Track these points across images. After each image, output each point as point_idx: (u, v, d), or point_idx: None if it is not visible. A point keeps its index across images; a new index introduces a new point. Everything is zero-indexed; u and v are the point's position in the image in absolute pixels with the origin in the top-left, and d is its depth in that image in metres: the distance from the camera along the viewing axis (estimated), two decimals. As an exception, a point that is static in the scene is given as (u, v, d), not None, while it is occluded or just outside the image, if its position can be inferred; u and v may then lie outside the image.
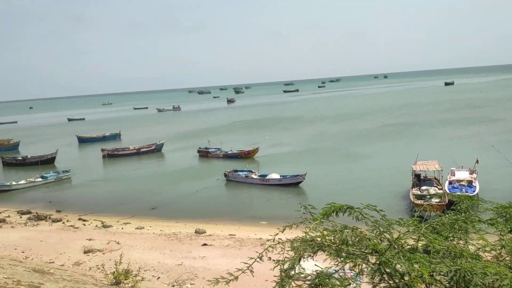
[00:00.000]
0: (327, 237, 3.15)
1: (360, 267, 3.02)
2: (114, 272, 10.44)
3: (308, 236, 3.17)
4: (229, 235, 20.70)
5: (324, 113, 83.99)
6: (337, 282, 2.76)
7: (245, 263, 3.56)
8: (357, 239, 3.02)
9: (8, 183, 36.53)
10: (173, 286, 13.98)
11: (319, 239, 3.13)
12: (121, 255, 11.57)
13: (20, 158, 50.44)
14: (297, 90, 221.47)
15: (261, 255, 3.34)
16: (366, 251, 2.97)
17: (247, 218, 24.66)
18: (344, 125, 63.48)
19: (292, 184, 30.92)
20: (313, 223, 3.38)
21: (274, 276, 3.44)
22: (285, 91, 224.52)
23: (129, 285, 10.31)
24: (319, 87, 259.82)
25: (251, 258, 3.51)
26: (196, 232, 21.26)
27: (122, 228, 22.93)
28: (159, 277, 14.87)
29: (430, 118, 63.67)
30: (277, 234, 3.62)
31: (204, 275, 14.91)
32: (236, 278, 3.26)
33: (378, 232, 3.19)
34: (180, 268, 15.77)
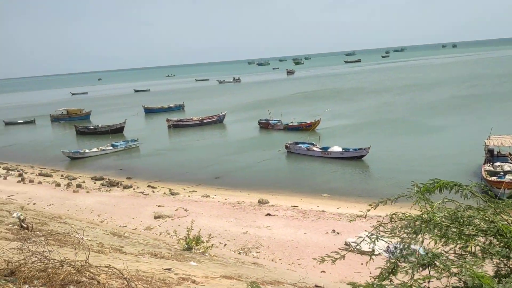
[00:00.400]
0: (443, 217, 2.97)
1: (473, 248, 2.84)
2: (186, 237, 10.84)
3: (425, 215, 3.01)
4: (291, 206, 20.83)
5: (388, 84, 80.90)
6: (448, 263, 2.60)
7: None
8: (475, 219, 2.83)
9: (82, 151, 38.86)
10: (239, 253, 14.37)
11: (438, 218, 2.95)
12: (192, 221, 12.01)
13: (91, 127, 53.33)
14: (359, 61, 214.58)
15: (373, 234, 3.22)
16: (488, 233, 2.78)
17: (309, 191, 24.60)
18: (409, 97, 60.85)
19: (354, 157, 30.33)
20: (433, 202, 3.21)
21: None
22: (346, 62, 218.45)
23: (200, 251, 10.70)
24: (382, 57, 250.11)
25: (359, 236, 3.40)
26: (259, 202, 21.58)
27: (189, 196, 23.77)
28: (225, 244, 15.34)
29: (506, 89, 59.36)
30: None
31: (269, 244, 15.20)
32: (343, 256, 3.18)
33: (494, 213, 2.97)
34: (245, 236, 16.15)
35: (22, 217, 8.32)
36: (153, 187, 26.58)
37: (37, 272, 3.85)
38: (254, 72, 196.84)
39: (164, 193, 24.75)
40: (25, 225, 7.94)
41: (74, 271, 3.95)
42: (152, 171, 32.26)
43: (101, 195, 24.35)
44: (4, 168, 34.81)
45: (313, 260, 10.62)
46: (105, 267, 4.27)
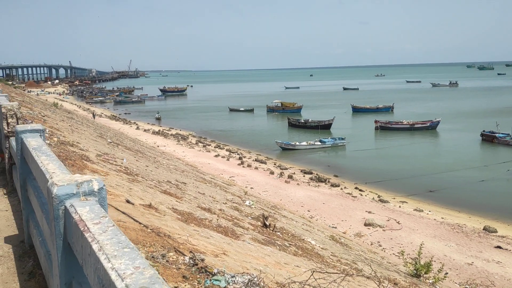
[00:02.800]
0: None
1: None
2: (415, 261, 9.68)
3: None
4: (527, 242, 17.40)
5: None
6: None
7: None
8: None
9: (293, 143, 40.74)
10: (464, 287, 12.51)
11: None
12: (421, 245, 10.76)
13: (302, 121, 55.65)
14: None
15: None
16: None
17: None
18: None
19: None
20: None
21: None
22: None
23: (430, 281, 9.46)
24: None
25: None
26: (484, 229, 18.72)
27: (400, 207, 22.26)
28: (446, 273, 13.58)
29: None
30: None
31: (502, 286, 12.83)
32: None
33: None
34: (470, 268, 14.05)
35: (265, 214, 8.60)
36: (360, 190, 25.88)
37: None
38: (475, 77, 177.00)
39: (373, 198, 23.76)
40: (267, 223, 8.13)
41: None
42: (359, 172, 31.59)
43: (310, 190, 24.81)
44: (227, 150, 39.04)
45: None
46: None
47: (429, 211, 21.65)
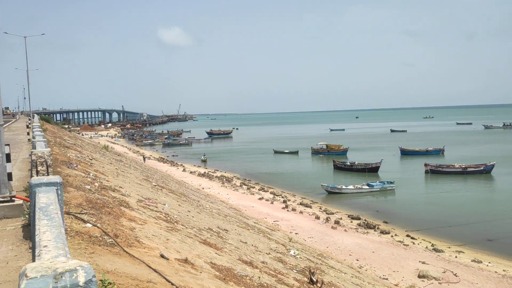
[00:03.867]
0: None
1: None
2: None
3: None
4: None
5: None
6: None
7: None
8: None
9: (339, 187, 39.65)
10: None
11: None
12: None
13: (348, 163, 54.44)
14: None
15: None
16: None
17: None
18: None
19: None
20: None
21: None
22: None
23: None
24: None
25: None
26: (555, 285, 16.91)
27: (456, 257, 20.70)
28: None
29: None
30: None
31: None
32: None
33: None
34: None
35: (312, 268, 8.04)
36: (412, 238, 24.43)
37: None
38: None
39: (426, 247, 22.29)
40: (314, 279, 7.54)
41: None
42: (410, 218, 30.05)
43: (359, 237, 23.70)
44: (271, 193, 38.51)
45: None
46: None
47: (489, 262, 19.97)
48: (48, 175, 5.10)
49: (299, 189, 42.03)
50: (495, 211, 31.03)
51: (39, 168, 5.07)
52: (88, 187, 8.23)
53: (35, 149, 5.58)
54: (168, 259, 5.11)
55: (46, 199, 3.15)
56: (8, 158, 5.83)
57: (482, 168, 47.50)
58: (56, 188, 3.62)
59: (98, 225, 5.34)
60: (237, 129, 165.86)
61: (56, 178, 3.75)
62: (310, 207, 32.95)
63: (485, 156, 57.11)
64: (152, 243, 5.71)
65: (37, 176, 5.02)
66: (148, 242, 5.61)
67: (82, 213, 5.80)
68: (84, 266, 1.83)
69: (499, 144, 78.49)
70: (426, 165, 49.88)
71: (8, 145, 6.12)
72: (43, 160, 5.10)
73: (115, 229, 5.57)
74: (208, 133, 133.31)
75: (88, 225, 5.26)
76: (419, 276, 16.85)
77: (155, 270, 4.10)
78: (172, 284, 3.87)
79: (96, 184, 9.06)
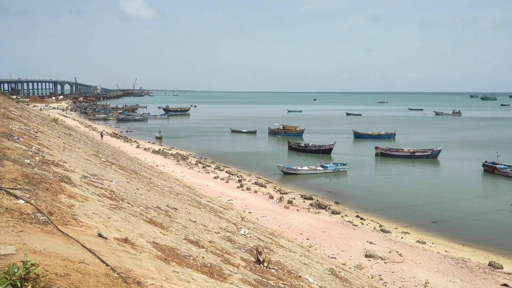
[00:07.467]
0: None
1: None
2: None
3: None
4: (535, 280, 16.61)
5: None
6: None
7: None
8: None
9: (295, 167, 40.11)
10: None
11: None
12: (425, 284, 10.09)
13: (303, 144, 55.13)
14: None
15: None
16: None
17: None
18: None
19: None
20: None
21: None
22: None
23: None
24: None
25: None
26: (490, 265, 17.97)
27: (402, 238, 21.51)
28: (451, 312, 12.84)
29: None
30: None
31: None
32: None
33: None
34: (477, 308, 13.29)
35: (260, 248, 8.00)
36: (362, 218, 25.16)
37: None
38: (478, 107, 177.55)
39: (374, 228, 23.03)
40: (261, 259, 7.48)
41: None
42: (359, 199, 30.91)
43: (310, 216, 24.11)
44: (226, 172, 38.42)
45: None
46: None
47: (432, 243, 20.91)
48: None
49: (255, 169, 42.19)
50: (439, 194, 32.43)
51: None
52: (28, 161, 7.74)
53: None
54: (106, 238, 4.87)
55: None
56: None
57: (429, 153, 49.53)
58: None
59: (32, 201, 5.00)
60: (195, 106, 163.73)
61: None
62: (265, 186, 33.15)
63: (433, 141, 59.63)
64: (91, 221, 5.42)
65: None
66: (86, 221, 5.33)
67: (16, 189, 5.42)
68: None
69: (447, 130, 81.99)
70: (376, 148, 51.38)
71: None
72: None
73: (51, 206, 5.24)
74: (164, 109, 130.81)
75: (21, 201, 4.92)
76: (366, 256, 17.39)
77: (89, 250, 3.85)
78: (107, 265, 3.65)
79: (37, 158, 8.55)
